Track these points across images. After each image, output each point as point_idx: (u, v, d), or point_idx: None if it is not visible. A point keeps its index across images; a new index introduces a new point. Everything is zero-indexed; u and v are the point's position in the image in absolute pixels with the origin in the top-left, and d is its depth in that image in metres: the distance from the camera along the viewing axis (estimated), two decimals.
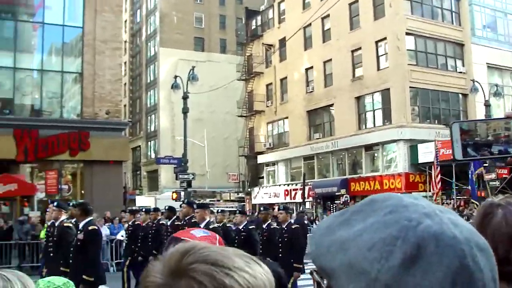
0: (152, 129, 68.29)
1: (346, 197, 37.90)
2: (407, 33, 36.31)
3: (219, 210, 17.44)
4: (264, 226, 12.66)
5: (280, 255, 11.55)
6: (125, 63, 66.61)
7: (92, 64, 29.48)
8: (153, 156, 64.01)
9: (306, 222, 25.04)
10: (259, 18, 52.74)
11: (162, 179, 61.53)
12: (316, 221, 32.22)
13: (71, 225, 9.50)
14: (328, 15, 40.21)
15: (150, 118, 69.28)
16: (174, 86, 30.34)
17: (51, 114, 29.50)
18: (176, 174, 29.71)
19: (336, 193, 38.79)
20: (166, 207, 14.33)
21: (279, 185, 46.96)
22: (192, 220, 11.40)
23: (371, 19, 38.18)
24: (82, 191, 29.08)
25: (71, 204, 10.74)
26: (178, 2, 66.40)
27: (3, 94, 28.76)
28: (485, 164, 24.75)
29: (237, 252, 0.93)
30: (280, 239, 11.38)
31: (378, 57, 37.90)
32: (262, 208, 14.08)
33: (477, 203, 23.02)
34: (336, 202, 39.31)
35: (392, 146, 36.68)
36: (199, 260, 0.87)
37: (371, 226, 0.90)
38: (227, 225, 14.70)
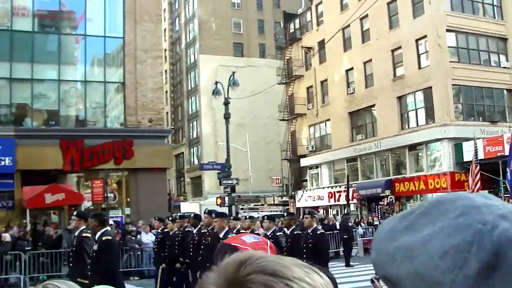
0: (195, 135, 68.79)
1: (391, 198, 37.53)
2: (447, 30, 35.76)
3: (247, 216, 17.18)
4: (288, 231, 12.33)
5: (304, 261, 11.35)
6: (165, 71, 67.31)
7: (134, 73, 29.93)
8: (196, 162, 64.46)
9: (351, 224, 24.96)
10: (297, 21, 52.67)
11: (206, 185, 61.92)
12: (361, 223, 31.99)
13: (89, 235, 9.36)
14: (366, 15, 39.95)
15: (192, 125, 69.81)
16: (215, 92, 30.51)
17: (95, 123, 30.05)
18: (219, 179, 29.85)
19: (381, 194, 38.41)
20: (192, 215, 14.37)
21: (323, 188, 46.75)
22: (215, 230, 11.33)
23: (410, 17, 37.76)
24: (128, 199, 29.52)
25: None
26: (216, 9, 66.84)
27: (49, 106, 29.43)
28: None
29: (296, 262, 0.88)
30: (304, 245, 11.01)
31: (418, 55, 37.43)
32: (286, 214, 13.76)
33: None
34: (380, 203, 38.97)
35: (436, 145, 36.14)
36: (257, 270, 0.82)
37: (440, 231, 0.83)
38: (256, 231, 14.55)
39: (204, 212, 13.32)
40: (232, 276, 0.82)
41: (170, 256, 13.80)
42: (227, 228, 10.95)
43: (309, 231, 11.15)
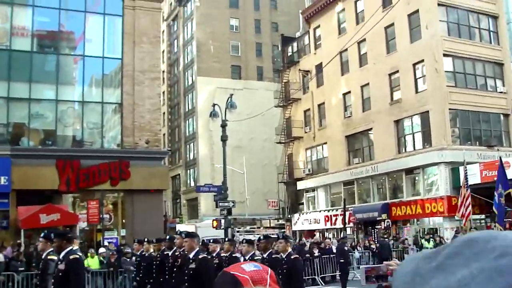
0: (191, 157, 68.72)
1: (387, 221, 37.43)
2: (444, 55, 35.98)
3: (226, 239, 16.83)
4: (264, 255, 11.95)
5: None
6: (163, 92, 67.59)
7: (132, 94, 29.93)
8: (192, 184, 64.35)
9: (347, 248, 24.79)
10: (295, 44, 53.00)
11: (202, 207, 61.70)
12: (358, 247, 31.82)
13: (55, 257, 8.94)
14: (364, 39, 40.19)
15: (189, 147, 69.76)
16: (213, 115, 30.56)
17: (92, 144, 29.96)
18: (216, 202, 29.77)
19: (377, 218, 38.32)
20: (167, 238, 14.25)
21: (319, 211, 46.62)
22: (186, 251, 11.16)
23: (407, 42, 37.98)
24: (123, 220, 29.35)
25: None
26: (214, 31, 67.17)
27: (46, 125, 29.35)
28: None
29: None
30: (279, 270, 10.52)
31: (416, 79, 37.60)
32: (261, 237, 13.37)
33: (501, 227, 22.10)
34: (377, 227, 38.84)
35: (433, 169, 36.14)
36: None
37: (480, 274, 0.75)
38: (234, 255, 14.20)
39: (176, 233, 13.20)
40: None
41: (145, 278, 13.64)
42: (197, 249, 10.75)
43: (284, 256, 10.82)
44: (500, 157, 23.75)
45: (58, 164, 27.12)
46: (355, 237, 39.34)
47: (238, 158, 57.49)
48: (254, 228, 53.69)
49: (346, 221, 38.64)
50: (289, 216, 51.59)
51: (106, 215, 29.27)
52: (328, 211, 45.36)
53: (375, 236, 37.35)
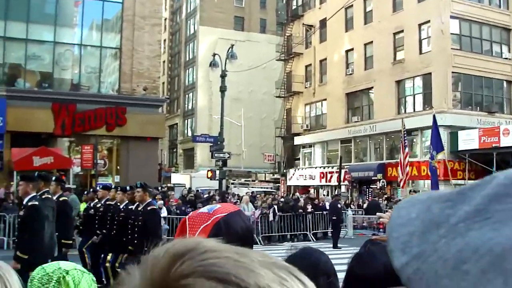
0: (190, 107, 68.44)
1: (382, 182, 37.42)
2: (451, 17, 35.34)
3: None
4: (121, 206, 11.40)
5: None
6: (164, 40, 66.73)
7: (131, 39, 29.49)
8: (189, 134, 64.19)
9: (340, 206, 24.77)
10: None
11: (198, 157, 61.73)
12: (351, 205, 31.86)
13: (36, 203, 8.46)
14: None
15: (188, 96, 69.41)
16: (213, 64, 30.20)
17: (89, 89, 29.67)
18: (212, 152, 29.67)
19: (373, 178, 38.32)
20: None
21: (315, 168, 46.61)
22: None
23: (414, 1, 37.29)
24: (118, 167, 29.27)
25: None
26: None
27: (42, 68, 28.96)
28: None
29: (265, 259, 0.58)
30: (136, 222, 10.05)
31: (420, 40, 37.06)
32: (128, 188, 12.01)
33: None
34: (372, 186, 38.88)
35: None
36: (199, 271, 0.54)
37: None
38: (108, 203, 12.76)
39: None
40: (160, 277, 0.55)
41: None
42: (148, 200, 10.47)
43: (141, 206, 10.12)
44: (434, 115, 22.77)
45: (54, 107, 26.85)
46: (349, 195, 39.40)
47: (236, 110, 57.20)
48: (249, 181, 53.90)
49: (341, 179, 38.67)
50: (284, 171, 51.58)
51: (101, 161, 29.16)
52: (324, 168, 45.33)
53: (369, 195, 37.44)
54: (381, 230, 24.08)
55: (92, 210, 13.36)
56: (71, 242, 11.29)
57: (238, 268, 0.55)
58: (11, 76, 28.19)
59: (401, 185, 25.16)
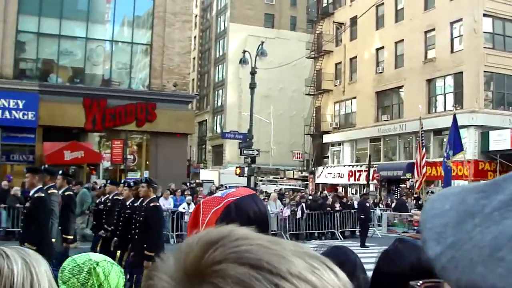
0: (219, 104, 68.65)
1: (411, 181, 37.09)
2: (484, 15, 34.84)
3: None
4: (127, 202, 11.18)
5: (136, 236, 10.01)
6: (195, 37, 67.08)
7: (162, 36, 29.70)
8: (218, 130, 64.41)
9: (368, 204, 24.67)
10: None
11: (227, 154, 61.91)
12: (380, 204, 31.67)
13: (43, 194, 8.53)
14: None
15: (217, 93, 69.63)
16: (243, 61, 30.19)
17: (120, 84, 29.96)
18: (240, 149, 29.69)
19: (401, 177, 38.01)
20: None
21: (344, 166, 46.41)
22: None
23: None
24: (147, 162, 29.51)
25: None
26: None
27: (74, 63, 29.35)
28: None
29: (297, 248, 0.59)
30: (138, 218, 9.84)
31: (452, 39, 36.61)
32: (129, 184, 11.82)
33: None
34: (401, 186, 38.58)
35: (463, 132, 35.46)
36: (231, 257, 0.56)
37: None
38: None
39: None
40: (193, 264, 0.57)
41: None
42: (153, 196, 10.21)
43: (145, 202, 9.88)
44: (454, 114, 21.94)
45: (85, 103, 27.20)
46: (377, 194, 39.16)
47: (266, 107, 57.24)
48: (277, 178, 53.90)
49: (370, 177, 38.45)
50: (313, 168, 51.46)
51: (130, 156, 29.43)
52: (353, 166, 45.12)
53: (398, 195, 37.16)
54: (414, 228, 23.79)
55: (102, 205, 13.47)
56: (71, 237, 11.24)
57: (270, 255, 0.56)
58: (44, 71, 28.60)
59: (416, 186, 24.72)
